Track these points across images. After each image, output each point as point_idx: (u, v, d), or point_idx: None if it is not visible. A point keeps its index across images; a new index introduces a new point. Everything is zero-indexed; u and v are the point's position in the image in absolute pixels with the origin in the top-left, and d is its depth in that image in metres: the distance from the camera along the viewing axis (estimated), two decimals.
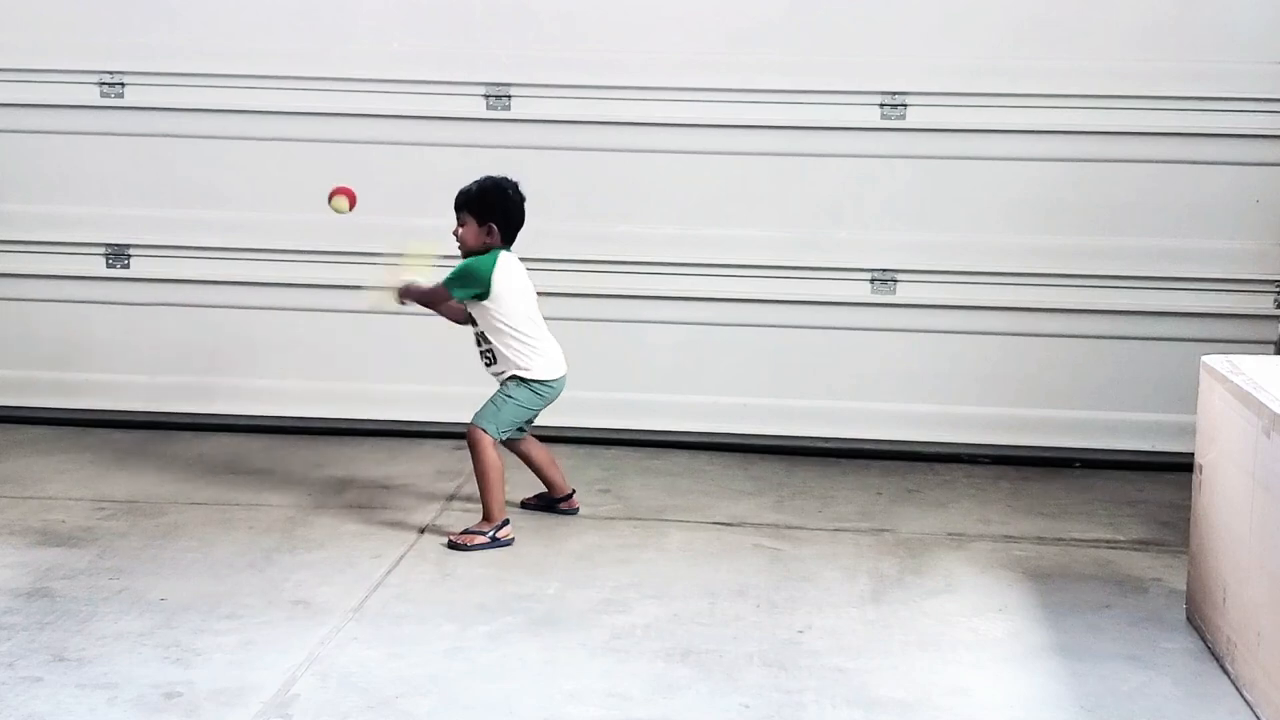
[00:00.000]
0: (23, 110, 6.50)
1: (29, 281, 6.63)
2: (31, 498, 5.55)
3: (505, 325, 5.19)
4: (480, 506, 5.19)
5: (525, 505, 5.52)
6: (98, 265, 6.60)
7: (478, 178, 5.31)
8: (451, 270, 5.22)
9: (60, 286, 6.63)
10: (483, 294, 5.16)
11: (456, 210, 5.25)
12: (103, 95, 6.48)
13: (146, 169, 6.53)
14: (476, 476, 5.19)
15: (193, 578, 4.72)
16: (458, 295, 5.21)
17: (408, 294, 5.32)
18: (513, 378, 5.22)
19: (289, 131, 6.44)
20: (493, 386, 5.28)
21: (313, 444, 6.38)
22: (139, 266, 6.59)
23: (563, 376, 5.29)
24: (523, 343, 5.22)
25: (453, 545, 5.07)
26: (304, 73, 6.37)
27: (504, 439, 5.27)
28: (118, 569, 4.78)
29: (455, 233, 5.26)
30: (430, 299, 5.30)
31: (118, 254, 6.60)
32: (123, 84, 6.47)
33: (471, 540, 5.08)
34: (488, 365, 5.31)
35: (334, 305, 6.53)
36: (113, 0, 6.44)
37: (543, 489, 5.54)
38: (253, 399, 6.63)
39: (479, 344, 5.30)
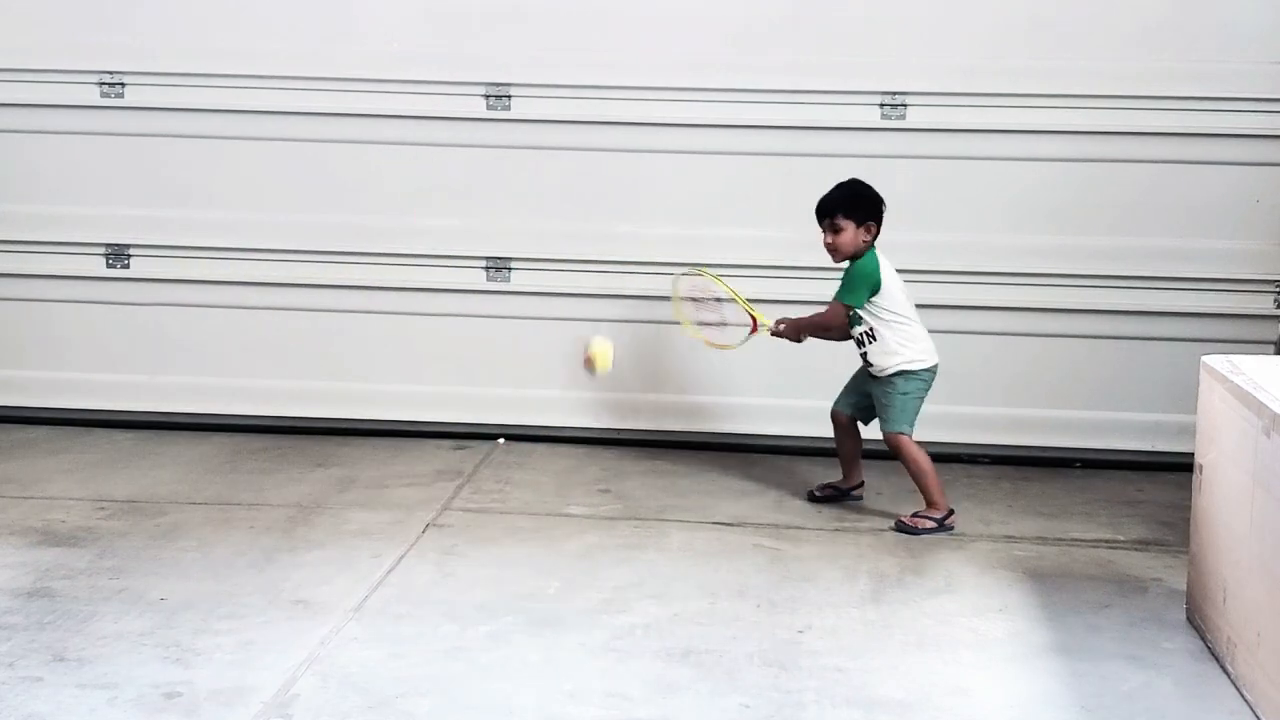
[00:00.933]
0: (23, 110, 6.50)
1: (29, 281, 6.63)
2: (32, 498, 5.55)
3: (894, 315, 5.34)
4: (924, 499, 5.40)
5: (814, 498, 5.71)
6: (98, 265, 6.60)
7: (844, 182, 5.43)
8: (842, 284, 5.39)
9: (60, 286, 6.63)
10: (875, 290, 5.33)
11: (826, 217, 5.37)
12: (103, 95, 6.48)
13: (146, 169, 6.53)
14: (915, 476, 5.39)
15: (193, 577, 4.72)
16: (857, 301, 5.35)
17: (792, 328, 5.52)
18: (900, 373, 5.35)
19: (289, 131, 6.44)
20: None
21: (313, 444, 6.38)
22: (139, 266, 6.59)
23: (938, 363, 5.44)
24: (908, 331, 5.37)
25: (900, 527, 5.32)
26: (304, 73, 6.37)
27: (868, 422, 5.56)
28: (118, 569, 4.78)
29: (828, 243, 5.39)
30: (826, 323, 5.45)
31: (118, 254, 6.60)
32: (123, 84, 6.47)
33: (921, 524, 5.31)
34: (867, 365, 5.44)
35: (334, 305, 6.54)
36: (113, 0, 6.45)
37: (833, 480, 5.75)
38: (253, 399, 6.63)
39: (861, 345, 5.42)
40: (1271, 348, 6.10)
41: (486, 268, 6.50)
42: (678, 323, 5.76)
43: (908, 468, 5.40)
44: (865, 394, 5.51)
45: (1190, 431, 4.57)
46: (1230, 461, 4.17)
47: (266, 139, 6.46)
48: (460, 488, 5.80)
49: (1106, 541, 5.32)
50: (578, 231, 6.41)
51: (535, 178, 6.44)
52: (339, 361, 6.60)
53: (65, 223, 6.56)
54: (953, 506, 5.39)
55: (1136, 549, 5.24)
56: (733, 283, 5.65)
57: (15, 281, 6.64)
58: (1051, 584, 4.84)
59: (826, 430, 5.70)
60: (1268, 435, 3.83)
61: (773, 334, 5.54)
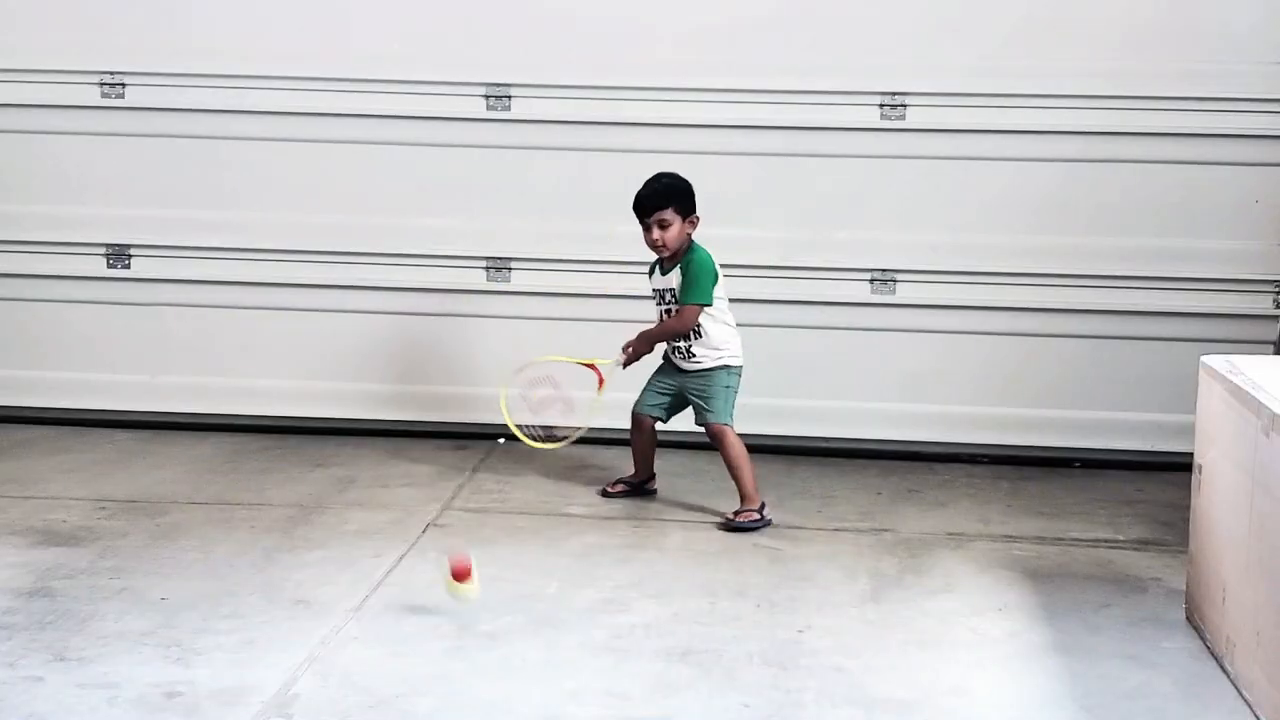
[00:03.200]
0: (23, 110, 6.50)
1: (29, 281, 6.64)
2: (32, 497, 5.55)
3: (720, 310, 5.37)
4: (739, 493, 5.41)
5: (607, 493, 5.71)
6: (98, 265, 6.61)
7: (660, 175, 5.38)
8: (689, 284, 5.33)
9: (61, 286, 6.63)
10: (714, 284, 5.34)
11: (650, 213, 5.30)
12: (103, 95, 6.48)
13: (147, 169, 6.53)
14: (734, 469, 5.40)
15: (193, 577, 4.72)
16: (708, 299, 5.33)
17: (645, 342, 5.46)
18: (723, 367, 5.40)
19: (289, 132, 6.44)
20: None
21: (313, 444, 6.38)
22: (139, 266, 6.60)
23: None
24: (730, 327, 5.41)
25: (729, 527, 5.31)
26: (304, 73, 6.37)
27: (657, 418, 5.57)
28: (118, 568, 4.78)
29: (654, 240, 5.32)
30: (682, 327, 5.38)
31: (118, 254, 6.60)
32: (123, 84, 6.47)
33: (749, 518, 5.33)
34: (684, 359, 5.44)
35: (334, 305, 6.54)
36: (113, 0, 6.45)
37: (627, 474, 5.76)
38: (253, 399, 6.64)
39: (681, 340, 5.41)
40: (1271, 348, 6.10)
41: (486, 268, 6.50)
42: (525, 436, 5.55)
43: (729, 459, 5.40)
44: (673, 393, 5.53)
45: (1189, 431, 4.57)
46: (1229, 461, 4.17)
47: (266, 139, 6.46)
48: (460, 488, 5.80)
49: (1106, 541, 5.33)
50: (578, 231, 6.41)
51: (535, 178, 6.44)
52: (339, 361, 6.60)
53: (66, 223, 6.57)
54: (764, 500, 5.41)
55: (1136, 549, 5.25)
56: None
57: (15, 281, 6.64)
58: (1051, 584, 4.84)
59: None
60: (1267, 435, 3.84)
61: (625, 365, 5.50)
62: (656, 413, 5.59)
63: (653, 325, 5.50)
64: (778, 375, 6.33)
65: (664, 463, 6.18)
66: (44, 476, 5.84)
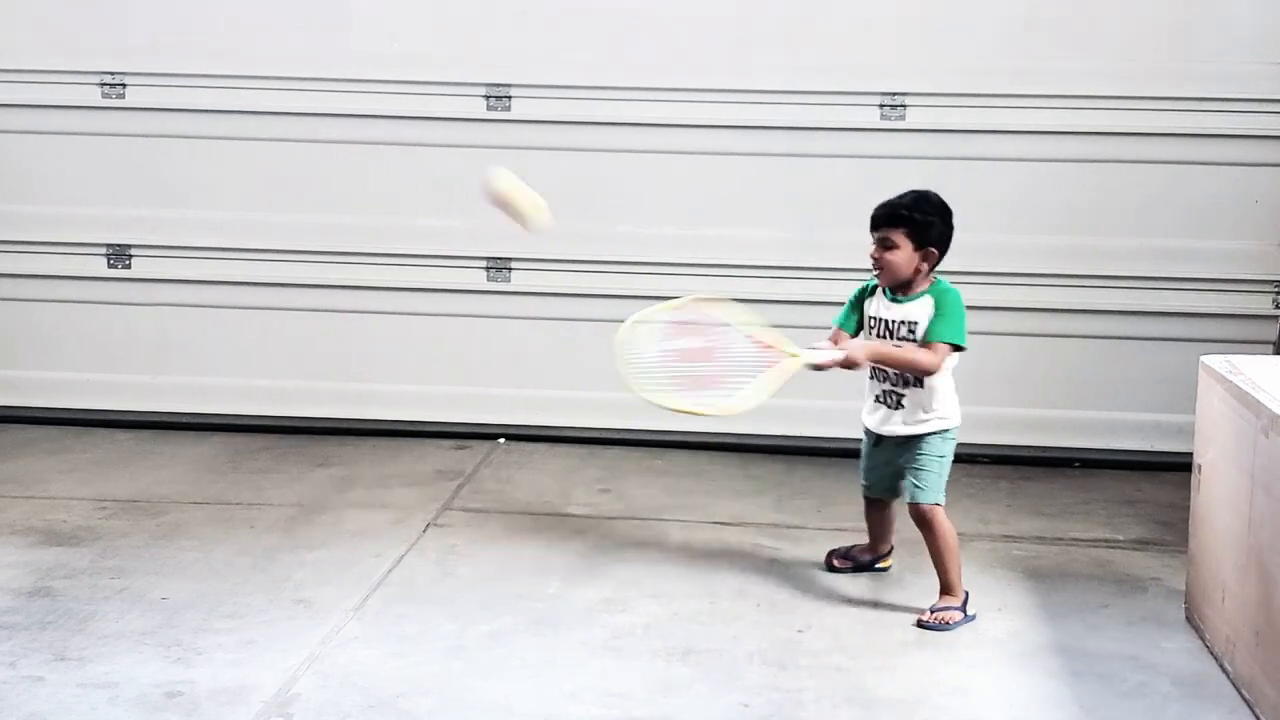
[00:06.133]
0: (23, 110, 6.50)
1: (29, 281, 6.63)
2: (33, 497, 5.55)
3: (949, 368, 4.54)
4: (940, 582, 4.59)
5: (834, 568, 4.92)
6: (98, 265, 6.61)
7: (916, 192, 4.59)
8: (944, 317, 4.49)
9: (61, 286, 6.63)
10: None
11: (878, 226, 4.58)
12: (103, 96, 6.48)
13: (147, 169, 6.53)
14: (937, 557, 4.56)
15: (194, 577, 4.72)
16: (962, 342, 4.49)
17: (871, 355, 4.53)
18: (940, 432, 4.56)
19: (289, 132, 6.44)
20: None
21: (313, 444, 6.38)
22: (139, 266, 6.60)
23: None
24: (952, 389, 4.59)
25: (924, 625, 4.44)
26: (304, 73, 6.37)
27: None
28: (119, 568, 4.78)
29: (874, 257, 4.57)
30: (931, 362, 4.47)
31: (118, 254, 6.60)
32: (123, 84, 6.47)
33: (950, 618, 4.46)
34: (892, 408, 4.62)
35: (334, 305, 6.54)
36: (113, 0, 6.45)
37: (854, 544, 4.99)
38: (253, 399, 6.64)
39: (902, 383, 4.58)
40: (1270, 348, 6.09)
41: (486, 268, 6.50)
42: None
43: (934, 548, 4.59)
44: (893, 465, 4.66)
45: (1189, 431, 4.57)
46: (1229, 461, 4.18)
47: (267, 139, 6.46)
48: (460, 488, 5.80)
49: (1106, 541, 5.33)
50: (577, 231, 6.40)
51: (535, 178, 6.40)
52: (339, 361, 6.60)
53: (66, 223, 6.57)
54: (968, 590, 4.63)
55: (1135, 549, 5.25)
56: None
57: (15, 281, 6.64)
58: (1051, 584, 4.85)
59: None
60: (1266, 435, 3.84)
61: (820, 368, 4.55)
62: (883, 493, 4.77)
63: (888, 343, 4.58)
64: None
65: (664, 462, 6.19)
66: (44, 476, 5.84)
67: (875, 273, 4.64)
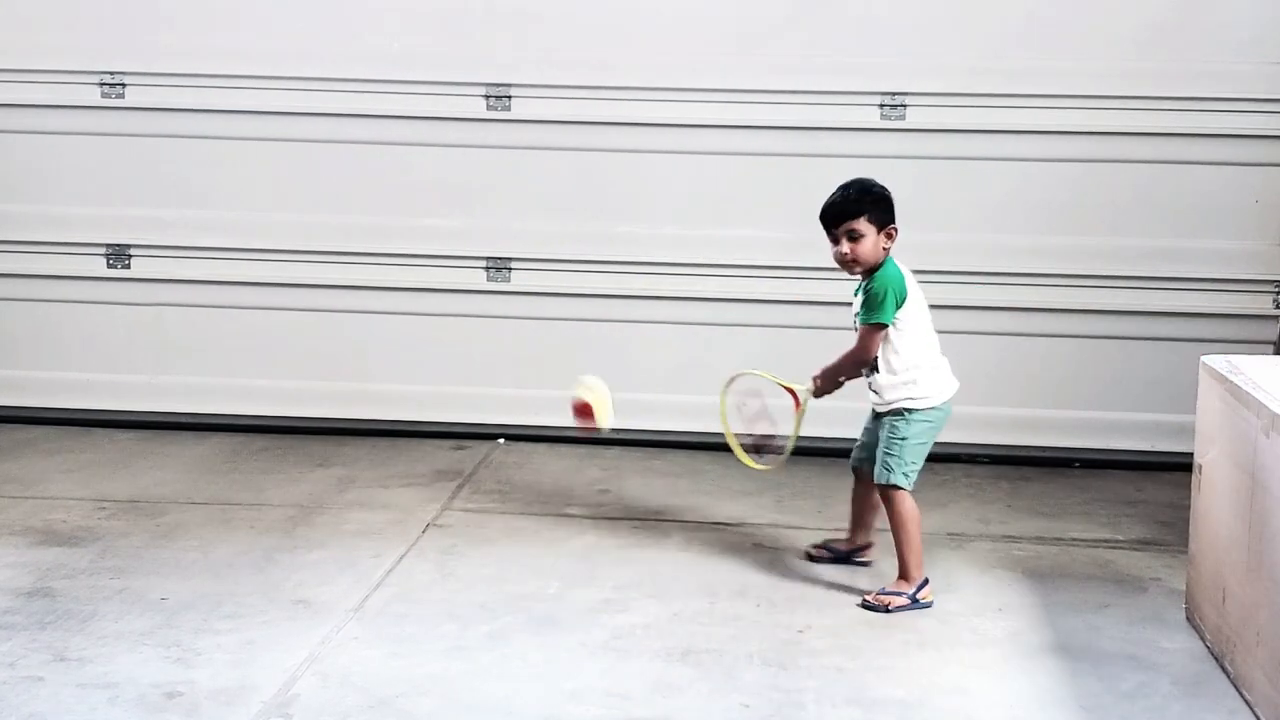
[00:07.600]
0: (23, 110, 6.50)
1: (29, 281, 6.63)
2: (32, 497, 5.55)
3: (905, 341, 4.61)
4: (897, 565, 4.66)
5: (812, 557, 4.99)
6: (98, 265, 6.61)
7: (852, 181, 4.67)
8: (867, 302, 4.60)
9: (61, 286, 6.63)
10: (901, 303, 4.58)
11: (837, 222, 4.61)
12: (103, 95, 6.48)
13: (147, 169, 6.53)
14: (895, 537, 4.63)
15: (193, 577, 4.72)
16: (886, 319, 4.55)
17: (827, 378, 4.71)
18: (898, 411, 4.63)
19: (289, 132, 6.44)
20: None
21: (313, 444, 6.38)
22: (139, 266, 6.60)
23: (951, 397, 4.67)
24: (924, 360, 4.63)
25: (867, 605, 4.55)
26: (304, 73, 6.37)
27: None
28: (119, 569, 4.78)
29: (843, 255, 4.60)
30: (861, 353, 4.62)
31: (118, 254, 6.60)
32: (123, 84, 6.47)
33: (891, 602, 4.54)
34: (874, 396, 4.73)
35: (334, 305, 6.54)
36: (113, 0, 6.45)
37: (835, 535, 5.06)
38: (253, 399, 6.63)
39: (868, 374, 4.70)
40: (1271, 348, 6.10)
41: (486, 268, 6.50)
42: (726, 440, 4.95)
43: (894, 523, 4.65)
44: (875, 438, 4.77)
45: (1189, 431, 4.57)
46: (1229, 461, 4.17)
47: (267, 139, 6.46)
48: (460, 488, 5.80)
49: (1106, 541, 5.33)
50: (578, 231, 6.41)
51: (535, 178, 6.44)
52: (339, 361, 6.60)
53: (66, 223, 6.57)
54: (927, 576, 4.67)
55: (1136, 549, 5.25)
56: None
57: (15, 281, 6.64)
58: (1051, 584, 4.84)
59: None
60: (1267, 435, 3.84)
61: (816, 395, 4.75)
62: (866, 466, 4.82)
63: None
64: (778, 375, 6.34)
65: (664, 462, 6.19)
66: (44, 476, 5.84)
67: (854, 270, 4.71)
